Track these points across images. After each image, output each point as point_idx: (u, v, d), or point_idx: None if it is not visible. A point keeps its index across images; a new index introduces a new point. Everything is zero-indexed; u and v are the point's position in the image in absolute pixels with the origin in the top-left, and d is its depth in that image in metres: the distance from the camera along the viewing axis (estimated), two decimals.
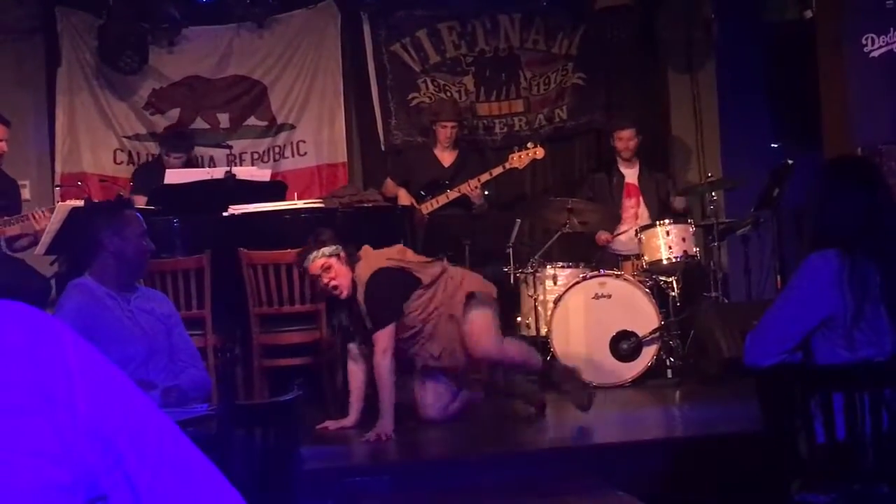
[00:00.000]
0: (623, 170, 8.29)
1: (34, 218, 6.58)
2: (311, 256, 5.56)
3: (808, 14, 7.92)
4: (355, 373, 5.78)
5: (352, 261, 5.63)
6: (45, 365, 1.09)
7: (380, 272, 5.63)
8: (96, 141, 8.74)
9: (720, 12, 9.18)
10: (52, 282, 6.65)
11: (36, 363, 1.09)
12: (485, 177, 7.92)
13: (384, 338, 5.54)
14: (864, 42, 7.50)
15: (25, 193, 7.80)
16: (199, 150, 8.71)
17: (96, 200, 6.63)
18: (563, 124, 9.26)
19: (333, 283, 5.55)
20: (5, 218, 6.70)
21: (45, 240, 6.36)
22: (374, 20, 9.07)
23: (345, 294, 5.59)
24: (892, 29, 7.50)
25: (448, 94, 9.09)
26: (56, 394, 1.08)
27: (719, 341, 6.83)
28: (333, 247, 5.57)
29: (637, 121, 8.48)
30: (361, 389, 5.75)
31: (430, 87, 9.12)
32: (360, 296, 5.61)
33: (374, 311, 5.59)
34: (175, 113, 8.91)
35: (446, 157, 8.24)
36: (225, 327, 6.50)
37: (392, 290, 5.68)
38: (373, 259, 5.69)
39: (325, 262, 5.53)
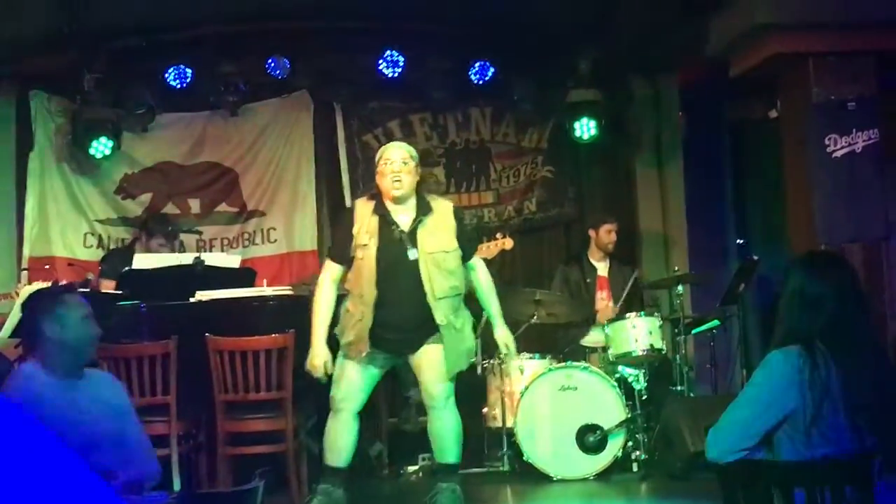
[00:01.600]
0: (595, 263, 8.34)
1: (17, 295, 6.54)
2: (397, 144, 5.90)
3: (773, 114, 8.08)
4: None
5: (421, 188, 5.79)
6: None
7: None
8: (66, 224, 8.73)
9: (688, 110, 9.36)
10: (16, 365, 6.59)
11: None
12: None
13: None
14: (826, 142, 7.64)
15: None
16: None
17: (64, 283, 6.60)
18: (532, 216, 9.34)
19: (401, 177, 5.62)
20: None
21: (9, 323, 6.32)
22: (346, 110, 9.17)
23: (401, 192, 5.61)
24: (854, 130, 7.65)
25: None
26: (11, 476, 1.08)
27: (685, 435, 6.82)
28: (416, 155, 5.77)
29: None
30: None
31: None
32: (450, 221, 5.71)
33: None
34: (147, 198, 8.93)
35: None
36: (189, 414, 6.45)
37: None
38: None
39: (407, 158, 5.68)
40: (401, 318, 5.64)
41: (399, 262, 5.59)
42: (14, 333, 6.42)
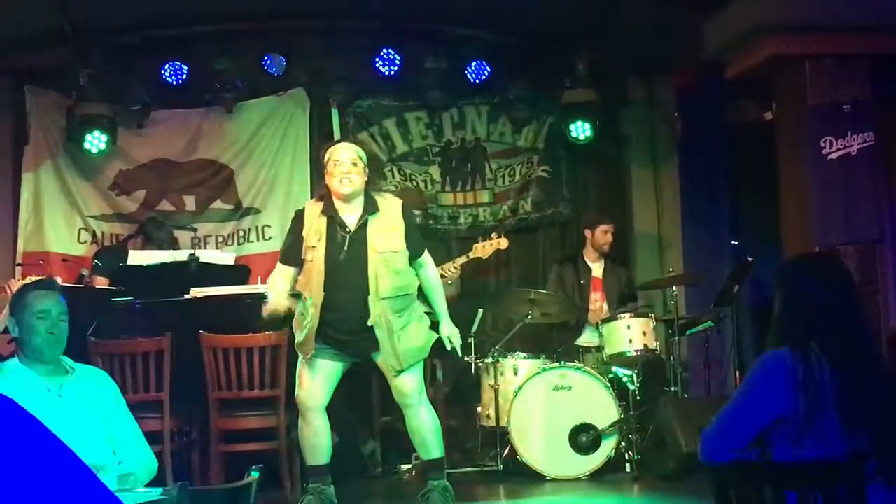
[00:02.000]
0: (590, 263, 8.35)
1: (9, 289, 6.53)
2: (346, 144, 5.89)
3: (769, 116, 8.09)
4: None
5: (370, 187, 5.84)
6: None
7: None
8: (60, 220, 8.73)
9: (684, 111, 9.37)
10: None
11: None
12: (448, 266, 7.95)
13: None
14: (822, 144, 7.66)
15: None
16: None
17: (58, 279, 6.59)
18: (527, 216, 9.35)
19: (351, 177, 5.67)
20: None
21: (1, 319, 6.31)
22: (342, 108, 9.16)
23: (348, 190, 5.63)
24: (849, 132, 7.67)
25: (414, 183, 9.17)
26: (4, 468, 1.08)
27: (678, 436, 6.84)
28: (365, 157, 5.82)
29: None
30: None
31: (397, 175, 9.20)
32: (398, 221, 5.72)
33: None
34: (141, 194, 8.93)
35: None
36: (183, 410, 6.45)
37: None
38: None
39: (357, 159, 5.72)
40: (351, 319, 5.65)
41: (346, 262, 5.60)
42: (6, 329, 6.42)
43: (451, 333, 5.94)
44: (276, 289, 5.87)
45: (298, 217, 5.87)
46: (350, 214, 5.66)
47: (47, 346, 4.06)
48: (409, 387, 5.75)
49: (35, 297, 4.15)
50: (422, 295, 5.96)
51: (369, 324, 5.59)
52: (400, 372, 5.70)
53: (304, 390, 5.79)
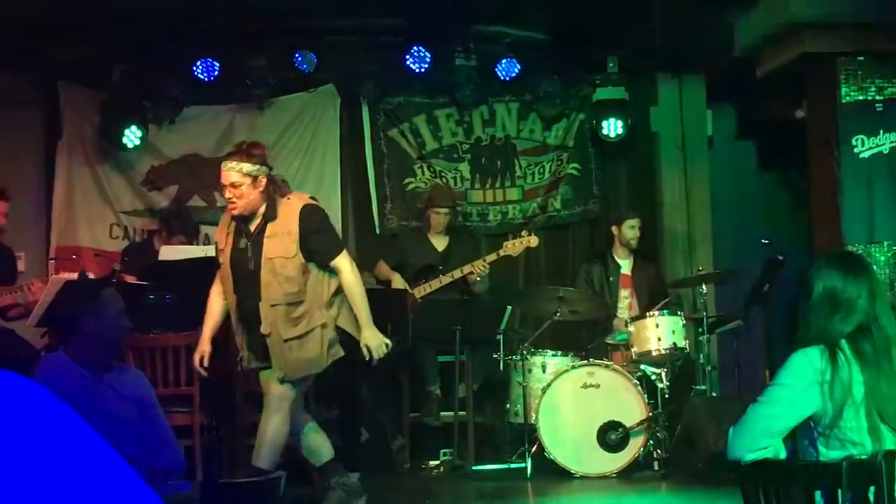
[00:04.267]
0: (619, 260, 8.34)
1: (29, 290, 6.61)
2: (230, 164, 5.40)
3: (800, 114, 8.04)
4: None
5: (275, 191, 5.46)
6: (30, 430, 1.12)
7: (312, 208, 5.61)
8: (93, 215, 8.79)
9: (714, 109, 9.34)
10: (43, 353, 6.65)
11: (21, 428, 1.11)
12: (478, 263, 7.96)
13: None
14: (854, 143, 7.62)
15: (21, 265, 7.83)
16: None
17: (90, 274, 6.65)
18: (556, 213, 9.34)
19: (234, 200, 5.39)
20: (1, 287, 6.73)
21: (37, 312, 6.38)
22: (373, 105, 9.19)
23: (237, 211, 5.41)
24: (881, 131, 7.62)
25: (444, 180, 9.18)
26: (39, 457, 1.10)
27: (707, 435, 6.83)
28: (257, 167, 5.40)
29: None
30: None
31: (427, 172, 9.22)
32: (292, 226, 5.45)
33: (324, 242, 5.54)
34: (172, 190, 8.98)
35: (439, 243, 8.30)
36: (213, 405, 6.49)
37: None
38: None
39: (239, 179, 5.36)
40: (255, 326, 5.47)
41: (249, 269, 5.46)
42: (42, 322, 6.49)
43: (370, 342, 5.57)
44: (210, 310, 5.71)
45: (221, 222, 5.75)
46: (253, 221, 5.48)
47: (123, 343, 4.14)
48: (275, 392, 5.47)
49: (114, 295, 4.22)
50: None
51: (261, 331, 5.41)
52: (281, 380, 5.45)
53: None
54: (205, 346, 5.60)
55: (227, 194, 5.41)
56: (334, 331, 5.55)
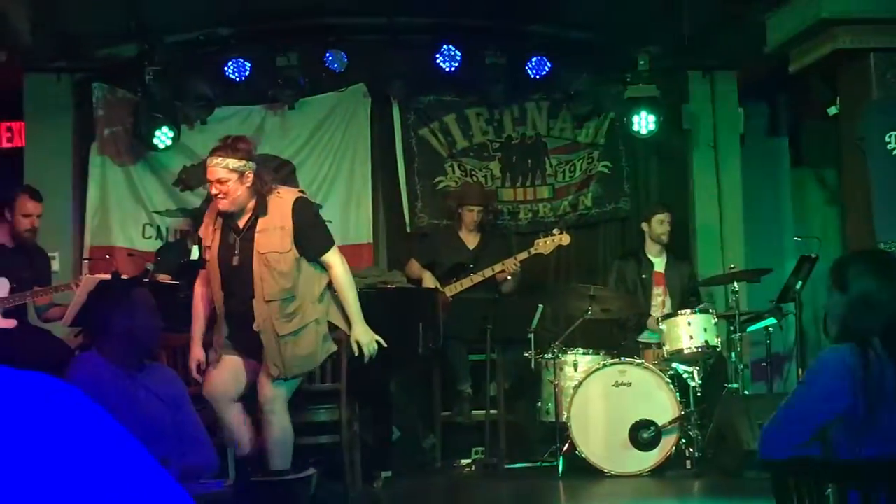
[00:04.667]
0: (652, 258, 8.32)
1: (76, 287, 6.65)
2: (216, 160, 5.35)
3: (833, 110, 7.99)
4: None
5: (260, 187, 5.39)
6: (62, 432, 1.13)
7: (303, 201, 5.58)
8: (126, 215, 8.85)
9: (746, 105, 9.29)
10: (77, 352, 6.71)
11: (53, 431, 1.13)
12: (510, 262, 7.97)
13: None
14: (887, 140, 7.55)
15: (55, 265, 7.90)
16: None
17: (123, 274, 6.70)
18: (587, 211, 9.32)
19: (222, 196, 5.34)
20: (36, 289, 6.79)
21: (71, 312, 6.44)
22: (403, 104, 9.20)
23: (226, 207, 5.37)
24: None
25: (474, 178, 9.18)
26: (72, 462, 1.12)
27: (740, 433, 6.80)
28: (243, 162, 5.35)
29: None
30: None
31: (457, 171, 9.22)
32: (286, 220, 5.41)
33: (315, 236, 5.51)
34: (205, 190, 9.01)
35: (470, 241, 8.31)
36: (245, 403, 6.51)
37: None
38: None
39: (225, 175, 5.30)
40: (245, 323, 5.42)
41: (238, 265, 5.41)
42: (75, 322, 6.54)
43: (360, 338, 5.57)
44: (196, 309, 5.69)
45: (202, 219, 5.73)
46: (243, 216, 5.43)
47: (155, 342, 4.19)
48: (270, 393, 5.45)
49: (147, 294, 4.27)
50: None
51: (255, 328, 5.36)
52: (281, 380, 5.43)
53: (210, 383, 5.54)
54: (198, 353, 5.59)
55: (214, 190, 5.36)
56: (326, 326, 5.54)
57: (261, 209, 5.40)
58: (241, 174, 5.31)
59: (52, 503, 1.11)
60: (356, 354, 5.61)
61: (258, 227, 5.37)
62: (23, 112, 8.89)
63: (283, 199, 5.46)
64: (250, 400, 5.59)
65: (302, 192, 5.88)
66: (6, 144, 9.31)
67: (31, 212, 6.95)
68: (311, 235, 5.48)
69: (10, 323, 6.74)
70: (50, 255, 7.68)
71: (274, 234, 5.36)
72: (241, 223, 5.41)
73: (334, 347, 5.60)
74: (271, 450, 5.44)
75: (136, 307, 4.21)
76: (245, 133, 9.00)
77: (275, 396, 5.45)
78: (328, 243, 5.56)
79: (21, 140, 9.05)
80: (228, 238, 5.45)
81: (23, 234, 6.93)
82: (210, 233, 5.50)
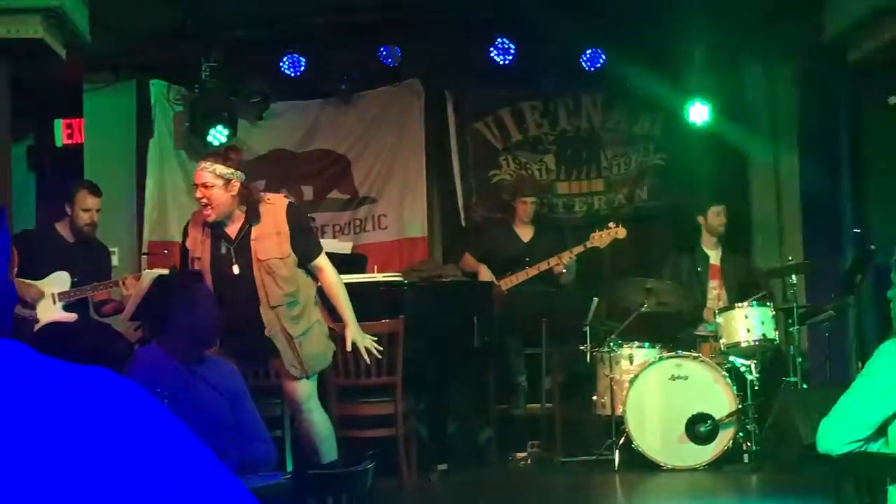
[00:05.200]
0: (708, 251, 8.26)
1: (123, 284, 6.75)
2: (204, 165, 5.33)
3: (893, 100, 7.87)
4: None
5: (248, 196, 5.37)
6: (121, 428, 1.15)
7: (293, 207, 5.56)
8: (183, 210, 8.91)
9: (804, 96, 9.18)
10: (136, 346, 6.79)
11: (113, 425, 1.14)
12: (565, 255, 7.95)
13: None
14: None
15: (114, 260, 8.00)
16: None
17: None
18: (643, 204, 9.28)
19: (206, 201, 5.31)
20: (95, 283, 6.89)
21: (131, 306, 6.52)
22: (457, 98, 9.21)
23: (212, 217, 5.33)
24: None
25: (529, 171, 9.18)
26: (130, 456, 1.13)
27: (798, 427, 6.73)
28: (231, 171, 5.31)
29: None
30: None
31: (511, 164, 9.22)
32: (281, 226, 5.39)
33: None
34: (260, 185, 9.06)
35: (525, 234, 8.30)
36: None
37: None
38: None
39: (211, 181, 5.27)
40: (247, 331, 5.37)
41: (236, 275, 5.37)
42: (135, 316, 6.63)
43: (357, 339, 5.53)
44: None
45: (185, 228, 5.70)
46: (232, 225, 5.39)
47: (215, 336, 4.24)
48: (300, 391, 5.45)
49: (206, 288, 4.32)
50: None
51: (266, 334, 5.35)
52: (304, 378, 5.42)
53: None
54: None
55: (198, 194, 5.34)
56: (326, 327, 5.57)
57: (253, 217, 5.38)
58: (228, 182, 5.29)
59: (111, 497, 1.12)
60: (349, 351, 5.60)
61: (253, 235, 5.36)
62: (82, 109, 9.01)
63: (274, 206, 5.45)
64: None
65: (288, 197, 5.90)
66: (66, 141, 9.43)
67: (91, 206, 7.04)
68: (304, 240, 5.47)
69: (71, 317, 6.84)
70: (110, 250, 7.78)
71: (271, 240, 5.36)
72: (232, 232, 5.39)
73: (333, 346, 5.62)
74: (319, 445, 5.48)
75: (196, 301, 4.26)
76: (299, 129, 9.14)
77: (308, 394, 5.48)
78: (318, 248, 5.57)
79: (81, 137, 9.17)
80: (220, 248, 5.42)
81: (83, 228, 7.03)
82: (198, 244, 5.47)
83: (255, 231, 5.36)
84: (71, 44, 7.22)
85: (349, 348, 5.50)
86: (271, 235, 5.35)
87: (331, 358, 5.60)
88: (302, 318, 5.43)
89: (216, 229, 5.40)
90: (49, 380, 1.17)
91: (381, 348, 5.67)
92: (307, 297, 5.48)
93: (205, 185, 5.28)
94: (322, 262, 5.51)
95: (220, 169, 5.28)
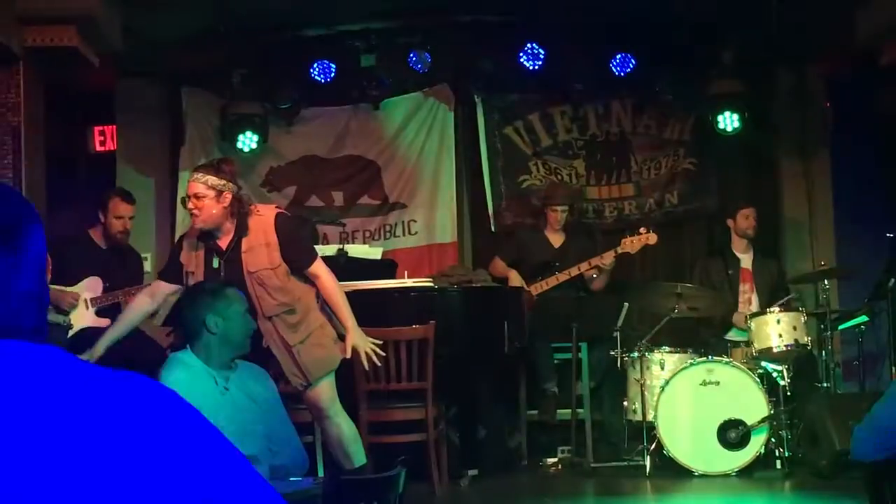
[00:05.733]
0: (738, 255, 8.22)
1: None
2: (196, 176, 5.30)
3: None
4: None
5: (239, 209, 5.32)
6: (157, 432, 1.16)
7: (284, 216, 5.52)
8: None
9: (835, 100, 9.13)
10: (168, 352, 6.83)
11: (152, 431, 1.16)
12: (595, 260, 7.94)
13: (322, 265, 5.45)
14: None
15: (147, 266, 8.05)
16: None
17: None
18: (673, 209, 9.25)
19: (197, 212, 5.26)
20: (127, 288, 6.93)
21: (163, 312, 6.55)
22: (487, 103, 9.22)
23: (197, 224, 5.30)
24: None
25: (559, 176, 9.17)
26: (166, 460, 1.15)
27: (831, 433, 6.68)
28: (223, 182, 5.27)
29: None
30: None
31: (542, 169, 9.22)
32: (270, 237, 5.35)
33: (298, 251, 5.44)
34: (291, 191, 9.14)
35: (556, 239, 8.29)
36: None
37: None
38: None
39: (203, 191, 5.23)
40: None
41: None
42: (167, 322, 6.67)
43: (357, 344, 5.43)
44: (129, 311, 5.69)
45: (178, 241, 5.69)
46: (223, 238, 5.35)
47: (247, 342, 4.26)
48: (322, 398, 5.42)
49: (238, 295, 4.35)
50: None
51: (264, 345, 5.28)
52: (308, 385, 5.39)
53: None
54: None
55: (190, 205, 5.32)
56: (333, 330, 5.52)
57: (242, 230, 5.35)
58: (219, 193, 5.27)
59: (148, 500, 1.14)
60: (347, 356, 5.51)
61: (243, 248, 5.34)
62: (115, 116, 9.09)
63: (263, 217, 5.42)
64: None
65: (279, 207, 5.87)
66: (99, 148, 9.52)
67: (124, 213, 7.08)
68: (294, 249, 5.42)
69: (104, 322, 6.88)
70: (143, 256, 7.83)
71: (260, 251, 5.33)
72: (223, 245, 5.37)
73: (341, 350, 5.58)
74: (348, 448, 5.46)
75: (229, 307, 4.28)
76: (330, 134, 9.17)
77: (330, 399, 5.47)
78: (312, 255, 5.51)
79: (113, 144, 9.25)
80: (212, 262, 5.39)
81: (116, 235, 7.08)
82: (192, 258, 5.45)
83: (245, 243, 5.33)
84: (104, 52, 7.29)
85: (348, 354, 5.43)
86: (261, 246, 5.32)
87: (337, 361, 5.53)
88: (301, 325, 5.40)
89: (208, 242, 5.39)
90: (89, 385, 1.18)
91: (382, 353, 5.60)
92: (306, 304, 5.44)
93: (196, 196, 5.26)
94: (317, 269, 5.46)
95: (212, 180, 5.25)
